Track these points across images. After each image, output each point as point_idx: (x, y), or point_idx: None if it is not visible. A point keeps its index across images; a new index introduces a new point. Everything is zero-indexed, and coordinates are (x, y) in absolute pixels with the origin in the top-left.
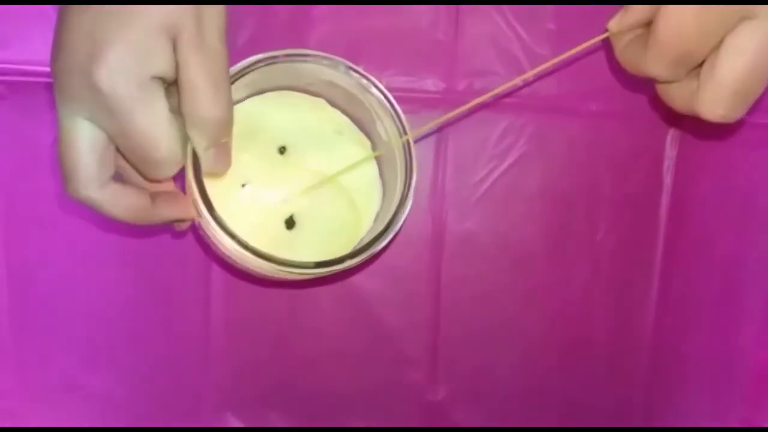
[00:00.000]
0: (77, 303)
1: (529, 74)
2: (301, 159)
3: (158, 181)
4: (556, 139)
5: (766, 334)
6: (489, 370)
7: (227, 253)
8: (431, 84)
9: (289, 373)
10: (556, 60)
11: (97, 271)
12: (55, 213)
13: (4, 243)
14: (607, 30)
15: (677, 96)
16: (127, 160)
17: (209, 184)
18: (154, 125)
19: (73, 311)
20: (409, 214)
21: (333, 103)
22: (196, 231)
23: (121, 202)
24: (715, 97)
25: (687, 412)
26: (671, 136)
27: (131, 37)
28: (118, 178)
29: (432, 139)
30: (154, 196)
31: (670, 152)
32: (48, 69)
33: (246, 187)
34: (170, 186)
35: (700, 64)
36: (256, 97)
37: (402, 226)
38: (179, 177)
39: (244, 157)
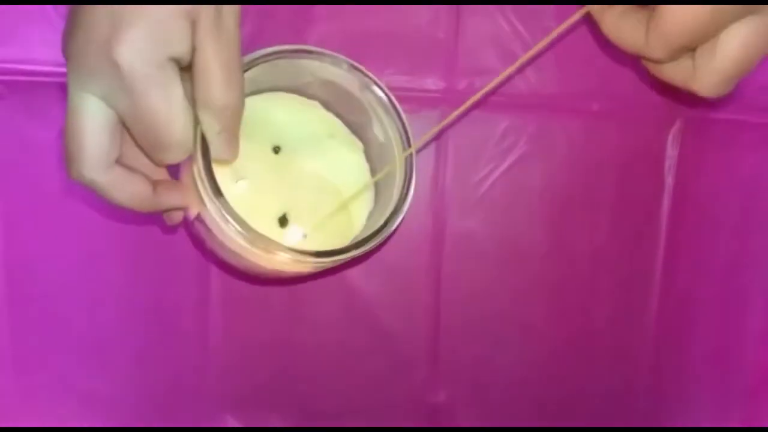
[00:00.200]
0: (76, 303)
1: (520, 62)
2: (294, 159)
3: (165, 167)
4: (557, 138)
5: (767, 333)
6: (489, 370)
7: (228, 245)
8: (431, 83)
9: (288, 374)
10: (544, 42)
11: (96, 271)
12: (55, 213)
13: (3, 243)
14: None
15: (669, 71)
16: (137, 143)
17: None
18: (168, 107)
19: (71, 311)
20: (409, 213)
21: (327, 106)
22: (192, 234)
23: (125, 187)
24: (714, 80)
25: (688, 412)
26: (672, 136)
27: (152, 17)
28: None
29: (432, 139)
30: (154, 185)
31: (671, 152)
32: (48, 69)
33: (241, 183)
34: (166, 176)
35: None
36: (252, 97)
37: (404, 218)
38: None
39: (241, 152)
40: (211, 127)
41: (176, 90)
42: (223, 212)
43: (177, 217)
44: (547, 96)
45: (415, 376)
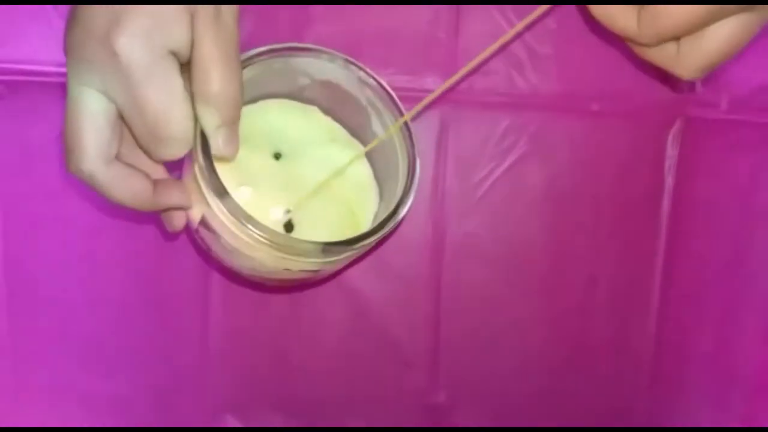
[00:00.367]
0: (76, 303)
1: (495, 46)
2: (296, 165)
3: (164, 163)
4: (557, 138)
5: (767, 334)
6: (490, 372)
7: (234, 246)
8: (431, 83)
9: (288, 374)
10: (516, 29)
11: (96, 272)
12: (55, 213)
13: (3, 243)
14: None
15: (654, 54)
16: (136, 138)
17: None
18: (167, 98)
19: (71, 311)
20: (409, 213)
21: (326, 111)
22: (196, 242)
23: (123, 183)
24: (697, 66)
25: (688, 412)
26: (672, 136)
27: (152, 9)
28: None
29: (432, 138)
30: (154, 183)
31: (671, 152)
32: (48, 69)
33: (243, 189)
34: (166, 175)
35: None
36: (251, 105)
37: (405, 216)
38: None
39: (240, 158)
40: (210, 122)
41: (175, 82)
42: (229, 209)
43: (179, 223)
44: (547, 96)
45: (415, 377)
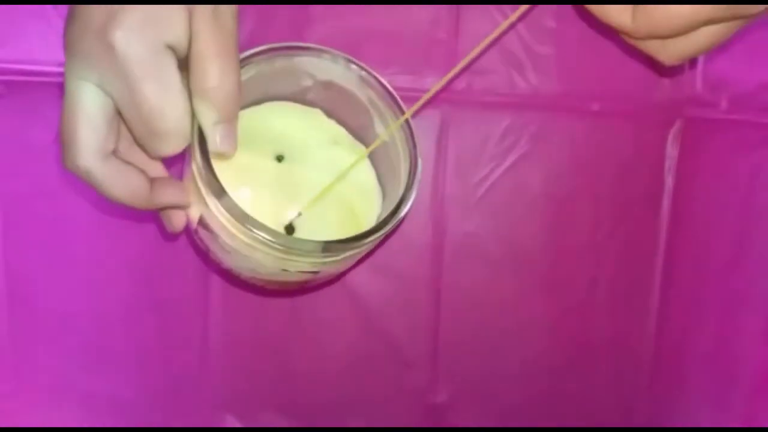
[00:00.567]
0: (76, 303)
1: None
2: (298, 168)
3: (161, 159)
4: (558, 139)
5: (767, 334)
6: (490, 372)
7: (232, 246)
8: (431, 83)
9: (288, 374)
10: (510, 19)
11: (96, 273)
12: (55, 213)
13: (3, 243)
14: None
15: (640, 42)
16: (133, 134)
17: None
18: (164, 93)
19: (71, 311)
20: (409, 213)
21: (329, 113)
22: (194, 242)
23: (120, 179)
24: (681, 56)
25: (688, 412)
26: (672, 136)
27: (149, 6)
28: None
29: (432, 138)
30: (152, 181)
31: (671, 152)
32: (48, 69)
33: (243, 190)
34: (165, 173)
35: None
36: (253, 107)
37: (409, 211)
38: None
39: (242, 160)
40: (207, 118)
41: (172, 76)
42: (226, 208)
43: (178, 223)
44: (547, 96)
45: (415, 377)
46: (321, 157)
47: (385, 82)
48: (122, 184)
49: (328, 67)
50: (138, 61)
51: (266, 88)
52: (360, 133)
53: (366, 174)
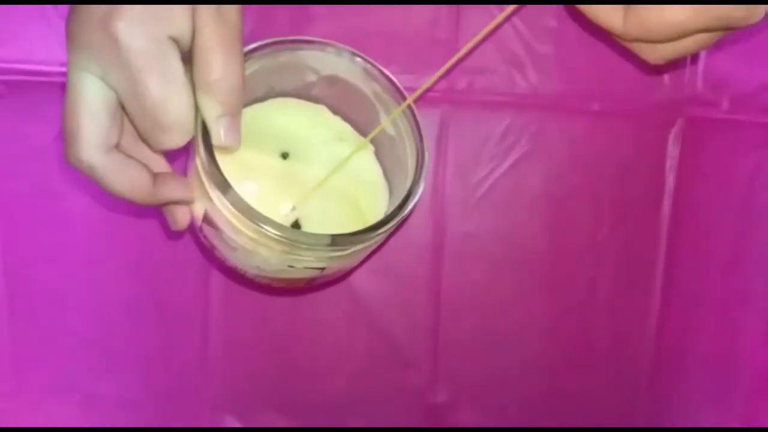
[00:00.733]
0: (76, 303)
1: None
2: (303, 164)
3: (164, 152)
4: (558, 138)
5: (767, 334)
6: (490, 372)
7: (238, 241)
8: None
9: (288, 374)
10: (494, 23)
11: (97, 273)
12: (55, 213)
13: (4, 243)
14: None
15: (627, 43)
16: (136, 127)
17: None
18: (166, 84)
19: (72, 311)
20: (409, 214)
21: (334, 109)
22: (197, 238)
23: (123, 174)
24: (667, 57)
25: (688, 412)
26: (673, 136)
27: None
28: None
29: (432, 138)
30: (155, 176)
31: (672, 152)
32: (48, 68)
33: (248, 186)
34: (168, 169)
35: None
36: (257, 104)
37: (416, 204)
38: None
39: (247, 157)
40: (211, 111)
41: (175, 68)
42: (231, 202)
43: (182, 220)
44: (547, 96)
45: (415, 377)
46: (326, 154)
47: (389, 75)
48: (125, 178)
49: (333, 61)
50: (141, 52)
51: (270, 83)
52: (365, 129)
53: (372, 170)
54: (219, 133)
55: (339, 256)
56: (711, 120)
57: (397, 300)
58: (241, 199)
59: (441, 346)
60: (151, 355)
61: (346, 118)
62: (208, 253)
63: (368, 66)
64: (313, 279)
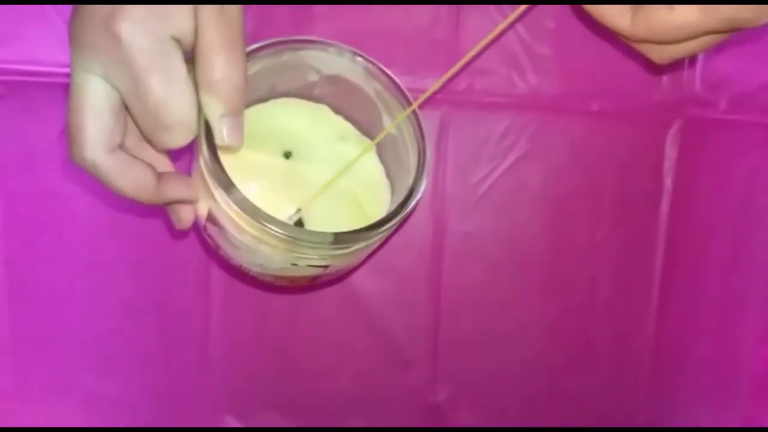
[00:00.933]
0: (76, 303)
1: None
2: (306, 164)
3: (167, 151)
4: (557, 139)
5: (767, 333)
6: (490, 372)
7: (238, 242)
8: (431, 83)
9: (288, 374)
10: (516, 13)
11: (97, 272)
12: (55, 213)
13: (4, 243)
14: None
15: (633, 42)
16: (139, 127)
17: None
18: (169, 84)
19: (72, 311)
20: (411, 212)
21: (336, 109)
22: (201, 236)
23: (127, 173)
24: (672, 57)
25: (688, 412)
26: (671, 136)
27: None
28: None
29: (433, 139)
30: (159, 176)
31: (670, 152)
32: (48, 69)
33: (252, 185)
34: (172, 168)
35: None
36: (260, 105)
37: (418, 202)
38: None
39: (250, 157)
40: (214, 110)
41: (178, 67)
42: (235, 201)
43: (187, 219)
44: (547, 96)
45: (415, 377)
46: (328, 153)
47: (391, 74)
48: (128, 177)
49: (334, 61)
50: (143, 52)
51: (272, 83)
52: (367, 129)
53: (374, 169)
54: (222, 133)
55: (342, 254)
56: (709, 120)
57: (397, 300)
58: (244, 198)
59: (441, 346)
60: (151, 355)
61: (348, 118)
62: (212, 252)
63: (370, 65)
64: (315, 277)
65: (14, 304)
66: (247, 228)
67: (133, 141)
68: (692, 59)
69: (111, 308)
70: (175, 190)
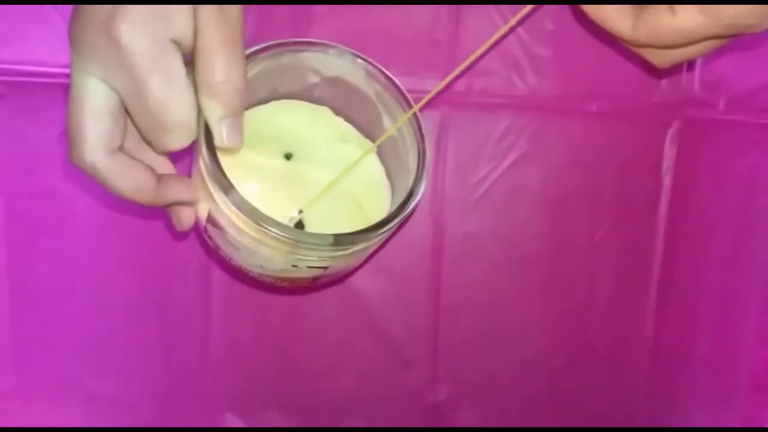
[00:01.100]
0: (77, 303)
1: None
2: (307, 165)
3: (167, 154)
4: (556, 139)
5: (766, 333)
6: (490, 372)
7: (238, 243)
8: (431, 84)
9: (289, 375)
10: (505, 29)
11: (97, 272)
12: (55, 213)
13: (5, 243)
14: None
15: (634, 47)
16: (138, 128)
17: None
18: (169, 86)
19: (72, 311)
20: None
21: (337, 111)
22: (203, 240)
23: (127, 175)
24: (674, 61)
25: (688, 412)
26: (670, 136)
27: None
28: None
29: (432, 139)
30: (159, 178)
31: (669, 152)
32: (48, 69)
33: (252, 187)
34: (172, 170)
35: None
36: (261, 106)
37: (418, 203)
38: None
39: (250, 159)
40: (214, 112)
41: (177, 69)
42: (234, 202)
43: (187, 221)
44: (546, 96)
45: (415, 376)
46: (329, 155)
47: (391, 76)
48: (128, 179)
49: (335, 63)
50: (143, 54)
51: (273, 85)
52: (368, 130)
53: (375, 170)
54: (221, 134)
55: (342, 256)
56: (708, 121)
57: (397, 300)
58: (244, 200)
59: (441, 346)
60: (151, 356)
61: (348, 119)
62: (212, 253)
63: (370, 67)
64: (316, 278)
65: (15, 304)
66: (247, 230)
67: (133, 143)
68: (691, 61)
69: (111, 308)
70: (175, 191)
